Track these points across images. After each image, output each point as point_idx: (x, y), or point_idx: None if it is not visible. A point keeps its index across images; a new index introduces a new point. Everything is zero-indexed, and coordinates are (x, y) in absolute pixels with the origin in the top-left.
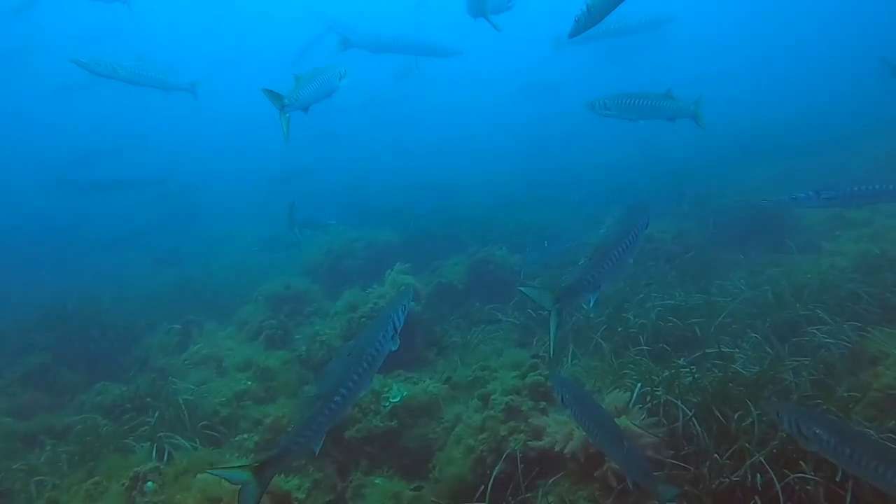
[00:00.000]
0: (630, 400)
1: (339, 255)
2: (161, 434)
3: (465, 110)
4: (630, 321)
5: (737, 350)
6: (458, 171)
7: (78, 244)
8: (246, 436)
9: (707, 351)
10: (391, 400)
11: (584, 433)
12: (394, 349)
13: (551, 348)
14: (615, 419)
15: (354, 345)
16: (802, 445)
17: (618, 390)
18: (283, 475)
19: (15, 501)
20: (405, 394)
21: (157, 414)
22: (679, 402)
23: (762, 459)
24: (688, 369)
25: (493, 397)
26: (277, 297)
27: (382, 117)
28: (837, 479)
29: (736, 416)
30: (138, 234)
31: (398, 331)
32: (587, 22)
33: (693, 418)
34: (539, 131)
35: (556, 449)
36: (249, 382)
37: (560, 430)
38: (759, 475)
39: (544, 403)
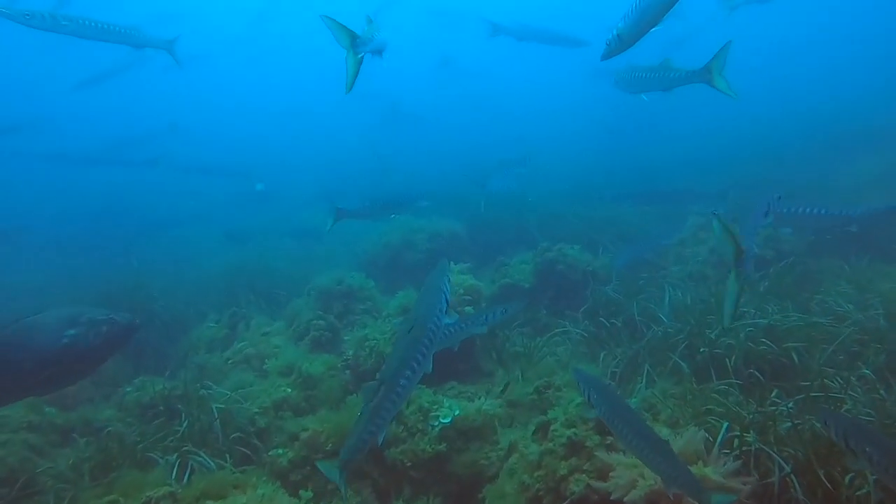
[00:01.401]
0: (712, 442)
1: (399, 248)
2: (187, 447)
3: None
4: (715, 341)
5: (846, 389)
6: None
7: (146, 224)
8: (280, 451)
9: (810, 391)
10: (441, 420)
11: (627, 447)
12: (449, 323)
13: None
14: (691, 466)
15: (412, 320)
16: (849, 463)
17: (697, 427)
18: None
19: None
20: (457, 413)
21: (185, 423)
22: (775, 454)
23: None
24: (785, 407)
25: (553, 428)
26: (329, 292)
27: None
28: None
29: (847, 478)
30: (206, 214)
31: (449, 305)
32: (618, 47)
33: (792, 475)
34: (612, 121)
35: (614, 496)
36: (289, 390)
37: (625, 474)
38: None
39: (611, 439)
